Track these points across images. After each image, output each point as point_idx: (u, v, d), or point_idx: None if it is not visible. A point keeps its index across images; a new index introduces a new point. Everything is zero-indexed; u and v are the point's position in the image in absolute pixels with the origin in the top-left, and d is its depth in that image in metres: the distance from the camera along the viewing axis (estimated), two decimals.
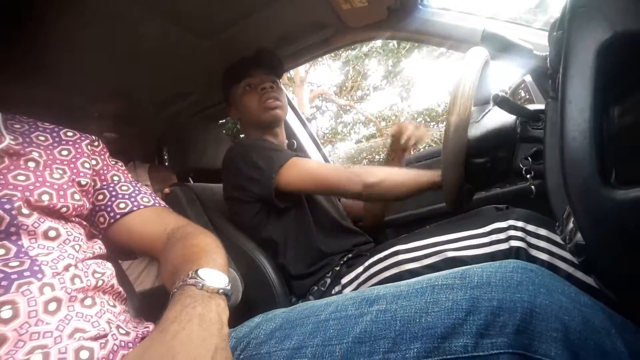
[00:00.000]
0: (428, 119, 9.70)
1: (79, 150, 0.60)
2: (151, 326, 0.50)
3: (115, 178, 0.64)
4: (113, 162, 0.66)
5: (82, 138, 0.62)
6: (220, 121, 1.81)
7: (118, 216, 0.62)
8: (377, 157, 9.12)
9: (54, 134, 0.59)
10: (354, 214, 1.23)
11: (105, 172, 0.64)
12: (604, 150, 0.36)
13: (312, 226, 1.03)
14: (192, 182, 1.49)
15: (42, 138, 0.57)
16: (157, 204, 0.65)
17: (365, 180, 0.89)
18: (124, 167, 0.67)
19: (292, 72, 8.50)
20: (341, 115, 11.13)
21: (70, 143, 0.60)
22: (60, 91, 1.14)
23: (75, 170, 0.57)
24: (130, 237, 0.62)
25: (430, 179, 0.87)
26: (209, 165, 1.38)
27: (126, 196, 0.63)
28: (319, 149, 1.74)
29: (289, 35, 1.28)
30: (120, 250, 0.66)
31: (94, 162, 0.62)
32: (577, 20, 0.37)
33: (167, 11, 1.01)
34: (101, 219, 0.62)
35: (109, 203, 0.62)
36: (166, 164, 1.65)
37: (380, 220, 1.24)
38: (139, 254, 0.67)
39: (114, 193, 0.62)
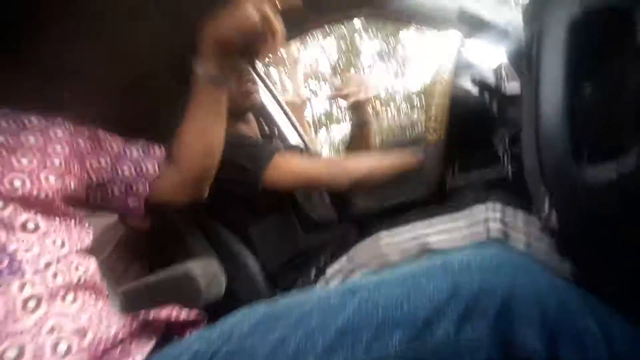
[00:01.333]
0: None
1: (47, 137, 0.57)
2: (134, 324, 0.49)
3: (115, 146, 0.65)
4: (90, 131, 0.65)
5: (49, 124, 0.60)
6: None
7: (155, 179, 0.66)
8: (372, 141, 9.02)
9: (17, 120, 0.56)
10: None
11: (103, 147, 0.64)
12: (577, 127, 0.35)
13: (295, 222, 1.02)
14: None
15: (4, 125, 0.55)
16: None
17: (351, 176, 0.91)
18: (101, 130, 0.67)
19: (283, 52, 8.25)
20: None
21: (37, 129, 0.57)
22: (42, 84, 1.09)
23: (45, 155, 0.55)
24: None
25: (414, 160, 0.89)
26: None
27: (145, 159, 0.66)
28: (300, 136, 1.72)
29: None
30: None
31: (75, 144, 0.60)
32: None
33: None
34: (140, 188, 0.65)
35: (138, 173, 0.65)
36: None
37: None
38: None
39: (135, 162, 0.65)
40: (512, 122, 0.72)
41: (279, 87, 8.39)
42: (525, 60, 0.54)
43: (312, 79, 10.02)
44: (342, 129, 10.66)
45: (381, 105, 10.37)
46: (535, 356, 0.34)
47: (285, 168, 0.94)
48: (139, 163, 0.65)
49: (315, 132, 9.87)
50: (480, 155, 0.76)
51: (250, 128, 1.15)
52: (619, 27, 0.33)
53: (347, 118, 10.85)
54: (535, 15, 0.44)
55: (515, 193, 0.76)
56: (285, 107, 1.74)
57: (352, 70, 10.08)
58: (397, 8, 1.14)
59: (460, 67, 0.79)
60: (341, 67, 10.12)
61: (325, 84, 10.47)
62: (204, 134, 0.65)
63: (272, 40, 0.56)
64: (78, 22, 0.90)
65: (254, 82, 1.09)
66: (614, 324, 0.36)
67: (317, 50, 10.03)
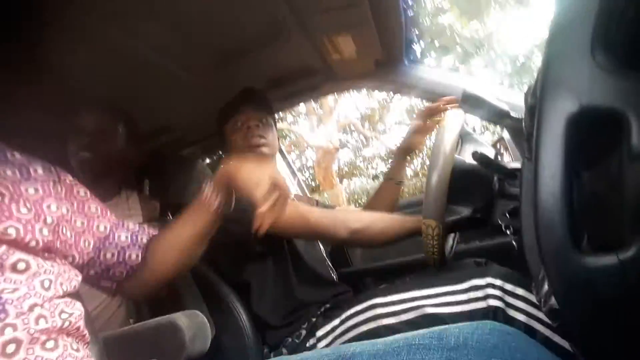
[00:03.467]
0: None
1: (47, 191, 0.58)
2: None
3: (102, 228, 0.65)
4: (85, 199, 0.65)
5: (52, 177, 0.61)
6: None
7: (135, 267, 0.66)
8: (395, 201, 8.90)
9: (23, 170, 0.58)
10: None
11: (91, 223, 0.64)
12: (575, 215, 0.36)
13: (291, 273, 1.00)
14: (171, 217, 1.46)
15: (9, 172, 0.56)
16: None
17: (351, 226, 0.90)
18: (96, 200, 0.66)
19: (319, 101, 8.42)
20: (361, 149, 11.01)
21: (39, 181, 0.58)
22: (40, 108, 1.12)
23: (40, 210, 0.56)
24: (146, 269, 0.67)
25: (417, 225, 0.88)
26: (189, 201, 1.36)
27: (130, 246, 0.66)
28: (302, 189, 1.75)
29: (279, 79, 1.32)
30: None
31: (64, 209, 0.60)
32: (548, 91, 0.40)
33: (160, 45, 1.03)
34: (117, 273, 0.66)
35: (121, 260, 0.65)
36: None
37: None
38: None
39: (119, 248, 0.65)
40: (512, 196, 0.74)
41: (312, 135, 8.43)
42: (526, 143, 0.57)
43: (343, 130, 10.08)
44: (363, 182, 10.64)
45: (410, 159, 10.39)
46: None
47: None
48: (124, 250, 0.66)
49: (340, 181, 9.83)
50: (480, 227, 0.77)
51: None
52: (614, 126, 0.35)
53: (370, 172, 10.83)
54: (534, 104, 0.47)
55: (515, 266, 0.76)
56: (288, 158, 1.79)
57: (380, 125, 10.20)
58: (408, 83, 1.23)
59: (462, 141, 0.83)
60: (374, 119, 10.26)
61: (353, 135, 10.55)
62: (179, 247, 0.68)
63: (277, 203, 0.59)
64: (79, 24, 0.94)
65: (261, 137, 1.11)
66: None
67: (349, 103, 10.14)
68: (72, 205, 0.62)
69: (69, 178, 0.64)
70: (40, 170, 0.59)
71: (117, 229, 0.66)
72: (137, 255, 0.66)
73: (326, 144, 7.81)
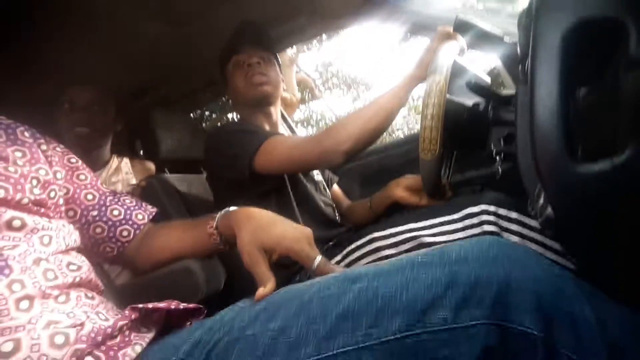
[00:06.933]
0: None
1: (35, 155, 0.57)
2: (133, 315, 0.49)
3: (90, 197, 0.64)
4: (75, 167, 0.64)
5: (40, 141, 0.60)
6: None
7: (126, 244, 0.66)
8: None
9: (10, 131, 0.56)
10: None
11: (78, 192, 0.63)
12: (571, 128, 0.38)
13: (296, 214, 1.02)
14: (168, 173, 1.46)
15: None
16: (149, 215, 0.70)
17: (343, 148, 0.85)
18: (86, 169, 0.66)
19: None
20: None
21: (27, 145, 0.57)
22: (28, 82, 1.08)
23: (29, 172, 0.55)
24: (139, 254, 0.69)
25: (410, 83, 0.87)
26: (185, 155, 1.36)
27: (123, 222, 0.66)
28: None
29: (264, 23, 1.26)
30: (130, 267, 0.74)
31: (58, 174, 0.59)
32: (544, 6, 0.39)
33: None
34: (108, 249, 0.66)
35: (111, 235, 0.65)
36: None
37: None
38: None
39: (110, 223, 0.65)
40: (506, 122, 0.75)
41: None
42: (521, 66, 0.57)
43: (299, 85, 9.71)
44: None
45: None
46: (532, 342, 0.36)
47: (273, 153, 0.92)
48: (115, 226, 0.65)
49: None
50: (474, 156, 0.79)
51: (270, 122, 1.13)
52: (612, 36, 0.35)
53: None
54: (530, 23, 0.46)
55: (508, 192, 0.78)
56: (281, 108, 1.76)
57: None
58: (398, 17, 1.18)
59: (455, 71, 0.82)
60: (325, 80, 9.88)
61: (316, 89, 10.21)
62: (179, 250, 0.72)
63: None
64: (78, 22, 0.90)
65: (262, 74, 1.06)
66: (609, 311, 0.38)
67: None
68: (65, 169, 0.62)
69: (59, 146, 0.63)
70: (27, 134, 0.58)
71: (110, 202, 0.65)
72: (129, 232, 0.66)
73: (290, 96, 7.48)
